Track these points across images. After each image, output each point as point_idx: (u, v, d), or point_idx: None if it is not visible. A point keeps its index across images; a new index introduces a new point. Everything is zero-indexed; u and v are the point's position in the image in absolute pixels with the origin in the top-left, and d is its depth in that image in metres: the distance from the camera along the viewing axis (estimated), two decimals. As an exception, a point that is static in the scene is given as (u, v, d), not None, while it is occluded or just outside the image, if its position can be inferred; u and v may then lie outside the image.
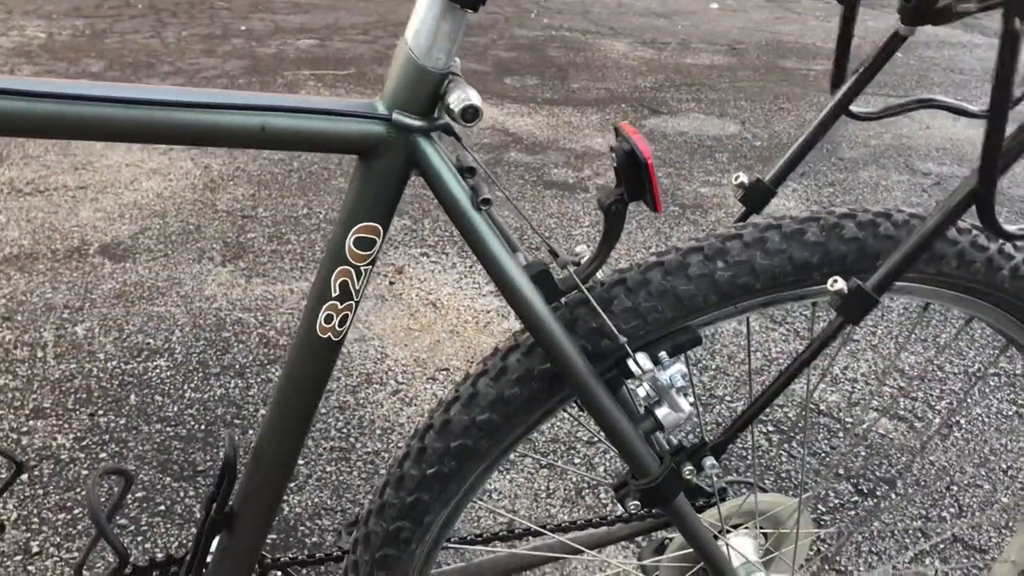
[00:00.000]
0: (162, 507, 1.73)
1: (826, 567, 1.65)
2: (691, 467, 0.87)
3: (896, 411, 2.09)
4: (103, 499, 1.68)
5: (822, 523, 1.76)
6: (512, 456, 1.90)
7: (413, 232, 2.87)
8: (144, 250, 2.71)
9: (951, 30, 6.08)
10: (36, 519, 1.68)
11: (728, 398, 2.11)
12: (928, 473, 1.90)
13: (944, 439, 2.01)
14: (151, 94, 0.68)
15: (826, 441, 1.98)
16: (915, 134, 3.96)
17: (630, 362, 0.82)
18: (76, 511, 1.71)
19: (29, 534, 1.65)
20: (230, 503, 0.93)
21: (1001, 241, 0.89)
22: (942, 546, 1.72)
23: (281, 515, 1.72)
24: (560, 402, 0.89)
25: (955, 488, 1.86)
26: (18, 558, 1.60)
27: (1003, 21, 0.68)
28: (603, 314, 0.82)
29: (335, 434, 1.95)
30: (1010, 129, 0.75)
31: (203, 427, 1.95)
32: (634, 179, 0.77)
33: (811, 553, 1.68)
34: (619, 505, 0.90)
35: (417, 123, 0.74)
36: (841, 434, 2.01)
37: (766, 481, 1.86)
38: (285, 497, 1.76)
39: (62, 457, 1.84)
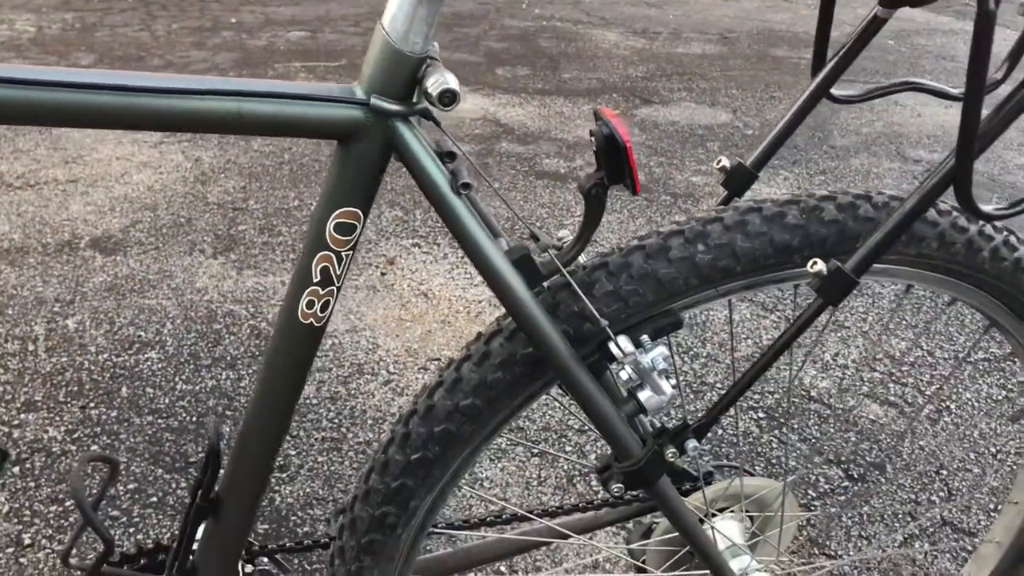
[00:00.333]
0: (154, 498, 1.73)
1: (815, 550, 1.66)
2: (674, 449, 0.88)
3: (887, 396, 2.10)
4: (94, 489, 1.68)
5: (812, 507, 1.77)
6: (504, 444, 1.91)
7: (405, 223, 2.87)
8: (135, 243, 2.70)
9: (943, 17, 6.08)
10: (28, 511, 1.69)
11: (719, 385, 2.11)
12: (918, 457, 1.91)
13: (934, 423, 2.01)
14: (127, 80, 0.68)
15: (816, 427, 1.99)
16: (907, 121, 3.97)
17: (611, 345, 0.82)
18: (68, 503, 1.71)
19: (21, 526, 1.65)
20: (216, 491, 0.94)
21: (981, 223, 0.90)
22: (931, 529, 1.73)
23: (273, 505, 1.73)
24: (543, 386, 0.89)
25: (944, 472, 1.87)
26: (10, 550, 1.60)
27: (977, 3, 0.68)
28: (584, 298, 0.83)
29: (327, 424, 1.95)
30: (987, 112, 0.76)
31: (194, 419, 1.95)
32: (614, 163, 0.77)
33: (800, 537, 1.69)
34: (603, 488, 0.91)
35: (395, 107, 0.74)
36: (831, 419, 2.01)
37: (756, 466, 1.87)
38: (277, 487, 1.77)
39: (53, 450, 1.84)
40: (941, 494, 1.81)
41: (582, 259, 0.87)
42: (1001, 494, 1.81)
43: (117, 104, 0.69)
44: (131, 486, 1.76)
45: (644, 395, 0.84)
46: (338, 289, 0.81)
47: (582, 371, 0.83)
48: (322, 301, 0.81)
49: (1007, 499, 1.21)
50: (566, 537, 1.17)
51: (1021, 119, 0.81)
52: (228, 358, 2.17)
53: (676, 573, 1.10)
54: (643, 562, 1.12)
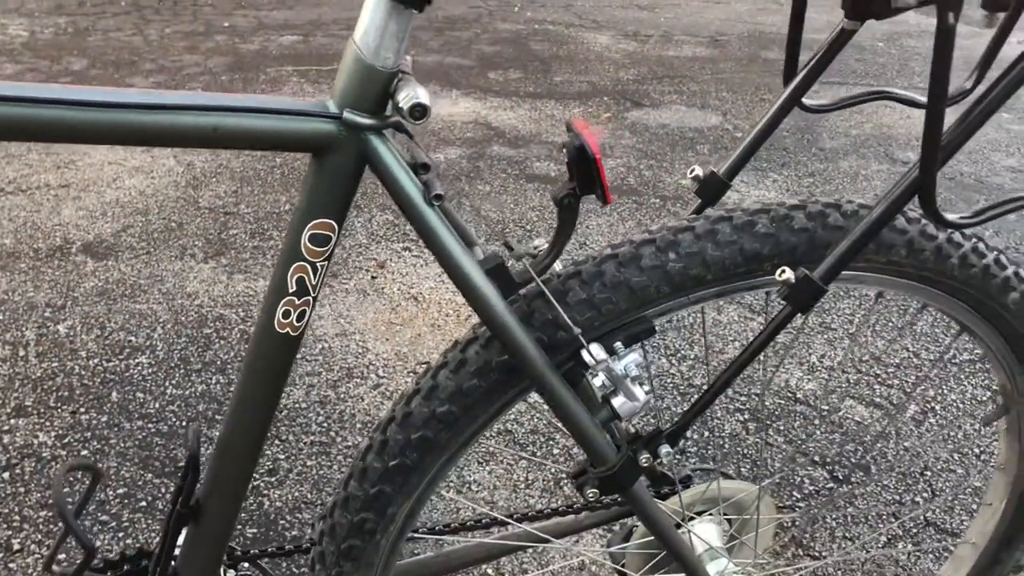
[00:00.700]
0: (143, 503, 1.75)
1: (800, 551, 1.68)
2: (647, 454, 0.89)
3: (872, 398, 2.12)
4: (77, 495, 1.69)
5: (795, 508, 1.79)
6: (491, 449, 1.92)
7: (395, 227, 2.88)
8: (126, 248, 2.71)
9: (933, 19, 6.09)
10: (17, 517, 1.70)
11: (706, 387, 2.13)
12: (903, 458, 1.93)
13: (919, 424, 2.03)
14: (103, 96, 0.69)
15: (802, 429, 2.01)
16: (895, 123, 3.99)
17: (584, 353, 0.84)
18: (56, 510, 1.72)
19: (10, 532, 1.66)
20: (196, 496, 0.95)
21: (949, 230, 0.91)
22: (915, 529, 1.74)
23: (261, 509, 1.74)
24: (519, 393, 0.90)
25: (929, 473, 1.88)
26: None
27: (938, 17, 0.70)
28: (557, 306, 0.84)
29: (316, 428, 1.97)
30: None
31: (184, 423, 1.96)
32: (585, 174, 0.79)
33: (784, 538, 1.70)
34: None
35: (368, 121, 0.76)
36: (817, 421, 2.03)
37: (742, 469, 1.88)
38: (265, 491, 1.78)
39: (43, 455, 1.85)
40: (925, 495, 1.83)
41: (558, 267, 0.89)
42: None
43: (94, 120, 0.70)
44: (120, 490, 1.77)
45: (618, 401, 0.86)
46: (314, 299, 0.83)
47: (556, 378, 0.85)
48: (298, 311, 0.83)
49: (982, 501, 1.22)
50: (547, 541, 1.19)
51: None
52: (218, 362, 2.18)
53: (655, 576, 1.11)
54: (623, 566, 1.14)
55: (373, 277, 2.59)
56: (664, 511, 0.99)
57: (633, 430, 0.94)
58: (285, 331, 0.83)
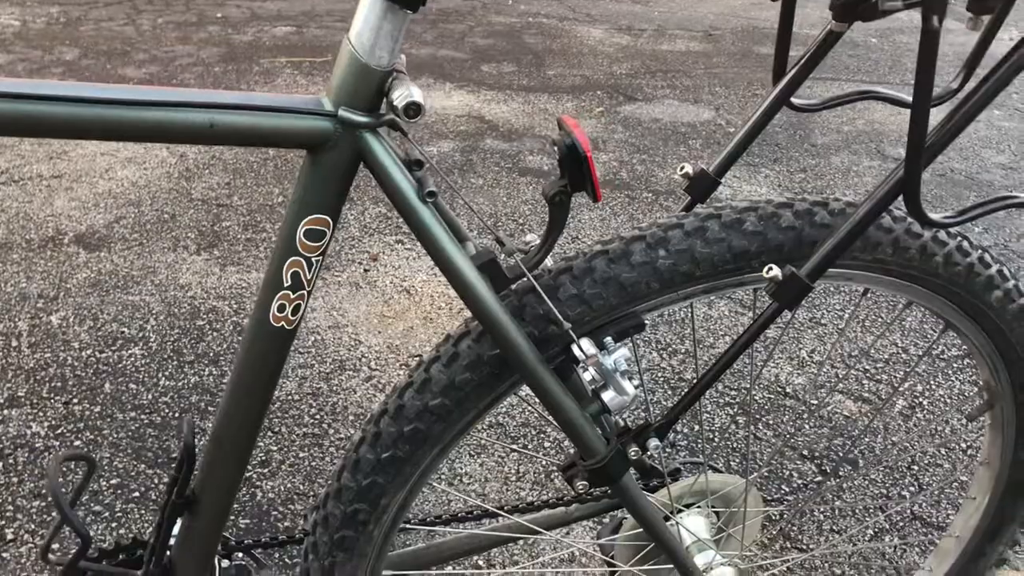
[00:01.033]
0: (136, 493, 1.76)
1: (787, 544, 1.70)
2: (636, 448, 0.91)
3: (860, 393, 2.14)
4: (70, 486, 1.70)
5: (783, 501, 1.80)
6: (483, 441, 1.93)
7: (388, 219, 2.89)
8: (119, 239, 2.72)
9: (926, 15, 6.10)
10: (11, 507, 1.70)
11: (695, 382, 2.14)
12: (890, 453, 1.95)
13: (906, 419, 2.05)
14: (100, 93, 0.70)
15: (790, 423, 2.03)
16: (887, 120, 4.00)
17: (574, 347, 0.85)
18: (51, 499, 1.73)
19: (4, 521, 1.67)
20: (191, 487, 0.96)
21: (934, 229, 0.93)
22: (901, 523, 1.76)
23: (254, 500, 1.75)
24: (511, 387, 0.92)
25: (915, 467, 1.91)
26: (-7, 545, 1.62)
27: (923, 19, 0.71)
28: (548, 301, 0.85)
29: (308, 420, 1.98)
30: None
31: (177, 414, 1.97)
32: (576, 172, 0.80)
33: (772, 531, 1.72)
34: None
35: (362, 119, 0.77)
36: (805, 415, 2.05)
37: (731, 462, 1.90)
38: (259, 483, 1.79)
39: (36, 445, 1.86)
40: (911, 489, 1.85)
41: (549, 262, 0.90)
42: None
43: (92, 116, 0.71)
44: (113, 481, 1.78)
45: (608, 395, 0.87)
46: (308, 293, 0.84)
47: (547, 372, 0.86)
48: (293, 305, 0.84)
49: (966, 495, 1.24)
50: (537, 533, 1.20)
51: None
52: (211, 354, 2.19)
53: (644, 567, 1.13)
54: (612, 557, 1.15)
55: (366, 270, 2.60)
56: (653, 503, 1.01)
57: (623, 424, 0.95)
58: (280, 325, 0.84)
